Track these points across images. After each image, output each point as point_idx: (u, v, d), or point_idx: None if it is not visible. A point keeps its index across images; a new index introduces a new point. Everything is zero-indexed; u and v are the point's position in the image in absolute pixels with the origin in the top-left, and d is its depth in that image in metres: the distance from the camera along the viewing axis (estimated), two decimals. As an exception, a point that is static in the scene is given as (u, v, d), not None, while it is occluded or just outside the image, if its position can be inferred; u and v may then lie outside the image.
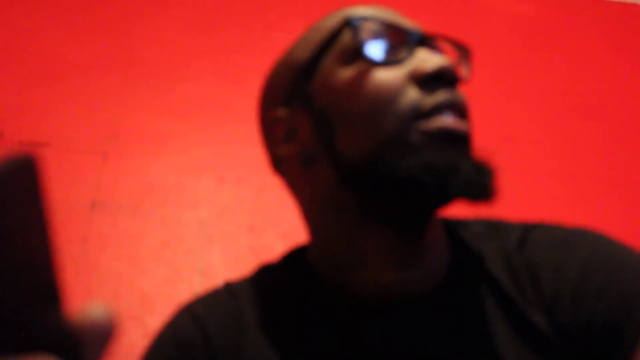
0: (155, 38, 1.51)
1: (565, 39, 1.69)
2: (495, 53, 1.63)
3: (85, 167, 1.31)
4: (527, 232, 0.54)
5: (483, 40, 1.64)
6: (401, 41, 0.50)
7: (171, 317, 0.56)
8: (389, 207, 0.49)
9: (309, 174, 0.52)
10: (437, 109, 0.46)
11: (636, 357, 0.43)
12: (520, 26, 1.69)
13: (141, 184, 1.32)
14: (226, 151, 1.38)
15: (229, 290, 0.56)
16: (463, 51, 0.53)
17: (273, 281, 0.56)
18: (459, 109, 0.48)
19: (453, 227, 0.56)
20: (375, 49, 0.49)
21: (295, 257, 0.58)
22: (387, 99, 0.47)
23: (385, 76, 0.48)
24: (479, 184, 0.45)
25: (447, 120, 0.46)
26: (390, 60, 0.49)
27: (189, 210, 1.30)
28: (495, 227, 0.56)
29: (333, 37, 0.52)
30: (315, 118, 0.51)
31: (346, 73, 0.49)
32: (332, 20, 0.53)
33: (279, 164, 0.56)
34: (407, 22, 0.53)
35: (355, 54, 0.49)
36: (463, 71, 0.52)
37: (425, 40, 0.51)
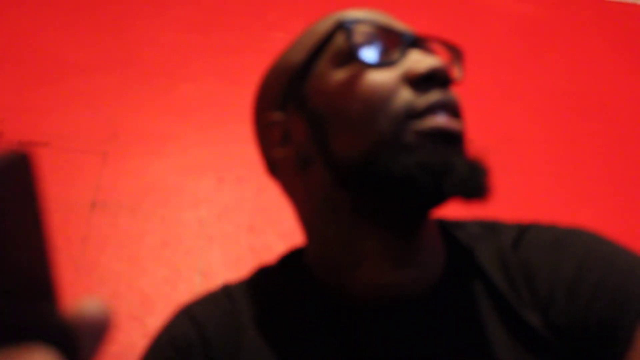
0: (155, 38, 1.51)
1: (565, 39, 1.69)
2: (495, 53, 1.63)
3: (85, 167, 1.32)
4: (522, 232, 0.54)
5: (483, 41, 1.64)
6: (394, 43, 0.51)
7: (169, 319, 0.56)
8: (384, 207, 0.49)
9: (305, 176, 0.53)
10: (430, 109, 0.47)
11: (630, 356, 0.43)
12: (521, 26, 1.69)
13: (141, 184, 1.32)
14: (226, 151, 1.38)
15: (227, 292, 0.56)
16: (455, 52, 0.53)
17: (270, 283, 0.56)
18: (452, 109, 0.48)
19: (448, 228, 0.56)
20: (368, 51, 0.50)
21: (292, 259, 0.58)
22: (380, 99, 0.47)
23: (379, 77, 0.48)
24: (474, 182, 0.46)
25: (440, 119, 0.47)
26: (383, 61, 0.49)
27: (189, 210, 1.30)
28: (491, 228, 0.56)
29: (326, 40, 0.52)
30: (310, 120, 0.51)
31: (340, 75, 0.50)
32: (325, 24, 0.54)
33: (275, 167, 0.56)
34: (399, 24, 0.54)
35: (349, 56, 0.50)
36: (456, 72, 0.53)
37: (418, 42, 0.51)
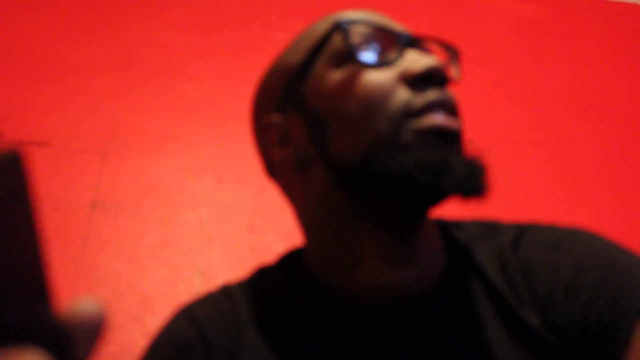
0: (155, 38, 1.51)
1: (565, 39, 1.69)
2: (496, 53, 1.63)
3: (85, 167, 1.32)
4: (521, 232, 0.54)
5: (483, 41, 1.64)
6: (391, 43, 0.51)
7: (169, 320, 0.56)
8: (383, 207, 0.49)
9: (303, 177, 0.53)
10: (428, 108, 0.47)
11: (629, 355, 0.43)
12: (521, 26, 1.69)
13: (141, 184, 1.32)
14: (226, 151, 1.38)
15: (226, 292, 0.56)
16: (452, 52, 0.53)
17: (269, 283, 0.56)
18: (450, 108, 0.48)
19: (448, 228, 0.56)
20: (365, 51, 0.50)
21: (291, 259, 0.58)
22: (378, 99, 0.47)
23: (376, 77, 0.48)
24: (472, 180, 0.46)
25: (437, 118, 0.47)
26: (381, 61, 0.49)
27: (189, 210, 1.30)
28: (490, 228, 0.56)
29: (324, 41, 0.52)
30: (309, 121, 0.51)
31: (337, 75, 0.50)
32: (323, 25, 0.54)
33: (273, 168, 0.56)
34: (396, 25, 0.54)
35: (346, 56, 0.50)
36: (453, 72, 0.53)
37: (415, 42, 0.52)
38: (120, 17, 1.53)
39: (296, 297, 0.54)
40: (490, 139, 1.46)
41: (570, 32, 1.70)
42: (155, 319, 1.16)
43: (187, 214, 1.30)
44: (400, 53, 0.50)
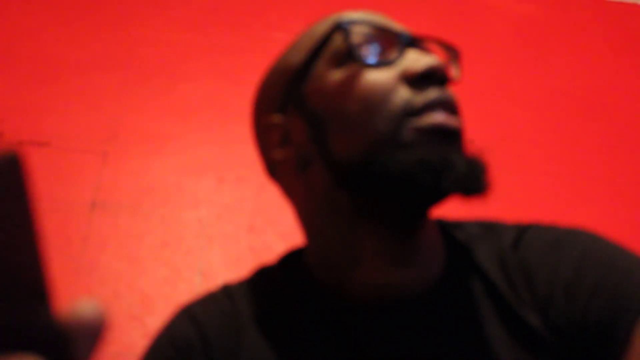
0: (155, 38, 1.51)
1: (565, 39, 1.69)
2: (496, 53, 1.63)
3: (85, 167, 1.32)
4: (522, 232, 0.54)
5: (483, 40, 1.64)
6: (391, 43, 0.51)
7: (169, 319, 0.56)
8: (384, 207, 0.49)
9: (305, 177, 0.53)
10: (428, 107, 0.47)
11: (629, 355, 0.43)
12: (521, 26, 1.69)
13: (141, 184, 1.32)
14: (226, 151, 1.38)
15: (227, 292, 0.56)
16: (452, 52, 0.54)
17: (270, 283, 0.56)
18: (450, 106, 0.48)
19: (448, 228, 0.56)
20: (366, 51, 0.50)
21: (291, 259, 0.58)
22: (378, 98, 0.47)
23: (377, 77, 0.48)
24: (472, 178, 0.46)
25: (438, 116, 0.47)
26: (381, 61, 0.49)
27: (189, 210, 1.30)
28: (490, 228, 0.56)
29: (324, 41, 0.53)
30: (309, 121, 0.51)
31: (338, 75, 0.50)
32: (323, 26, 0.54)
33: (274, 169, 0.56)
34: (396, 25, 0.54)
35: (347, 56, 0.50)
36: (453, 72, 0.53)
37: (415, 42, 0.52)
38: (120, 17, 1.53)
39: (297, 297, 0.54)
40: (490, 139, 1.46)
41: (570, 32, 1.70)
42: (155, 319, 1.16)
43: (187, 214, 1.30)
44: (401, 53, 0.50)
